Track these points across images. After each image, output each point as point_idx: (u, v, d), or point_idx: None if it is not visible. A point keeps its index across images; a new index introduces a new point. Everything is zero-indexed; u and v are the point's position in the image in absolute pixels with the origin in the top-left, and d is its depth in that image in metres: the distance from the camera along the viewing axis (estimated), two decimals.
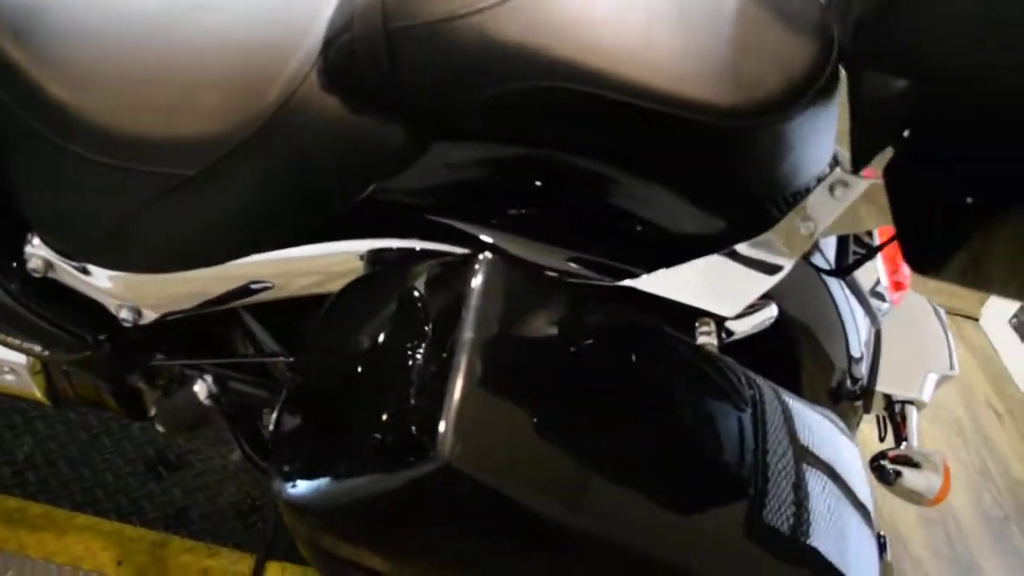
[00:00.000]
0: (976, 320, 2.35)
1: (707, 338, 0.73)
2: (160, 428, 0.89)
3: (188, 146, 0.74)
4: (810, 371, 0.88)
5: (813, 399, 0.92)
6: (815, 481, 0.68)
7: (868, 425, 1.10)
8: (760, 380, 0.71)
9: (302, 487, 0.59)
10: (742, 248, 0.71)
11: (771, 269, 0.71)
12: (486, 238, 0.76)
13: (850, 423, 0.99)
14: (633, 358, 0.65)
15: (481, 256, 0.63)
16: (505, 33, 0.66)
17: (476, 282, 0.60)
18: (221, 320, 0.93)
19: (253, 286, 0.84)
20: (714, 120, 0.63)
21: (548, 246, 0.75)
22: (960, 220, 0.55)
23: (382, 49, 0.67)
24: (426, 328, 0.60)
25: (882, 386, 0.95)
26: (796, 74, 0.64)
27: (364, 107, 0.71)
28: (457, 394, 0.54)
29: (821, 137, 0.69)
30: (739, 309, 0.72)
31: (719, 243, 0.72)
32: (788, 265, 0.71)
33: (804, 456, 0.69)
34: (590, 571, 0.60)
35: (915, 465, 0.90)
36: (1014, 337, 2.21)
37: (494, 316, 0.59)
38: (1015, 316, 2.22)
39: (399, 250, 0.78)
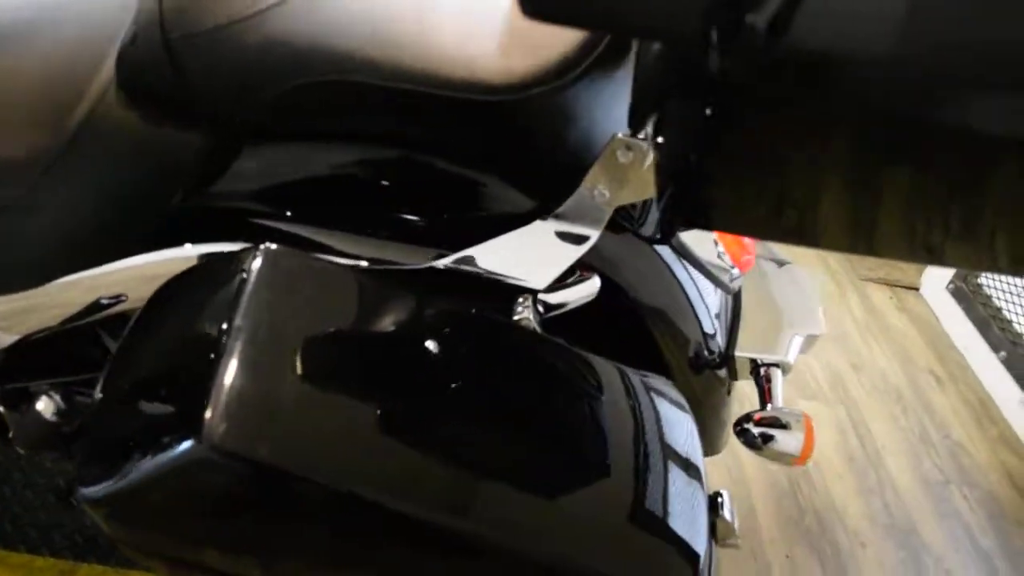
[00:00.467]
0: (917, 290, 2.36)
1: (525, 313, 0.73)
2: (20, 450, 0.89)
3: (6, 170, 0.76)
4: (666, 343, 0.89)
5: (678, 371, 0.93)
6: (638, 446, 0.68)
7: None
8: (579, 352, 0.71)
9: (98, 485, 0.59)
10: (547, 220, 0.71)
11: (577, 239, 0.71)
12: (310, 235, 0.77)
13: (718, 391, 1.00)
14: (430, 334, 0.65)
15: (262, 246, 0.64)
16: (284, 33, 0.67)
17: (252, 271, 0.61)
18: (84, 339, 0.93)
19: (104, 300, 0.85)
20: (487, 96, 0.64)
21: (367, 238, 0.76)
22: (709, 168, 0.56)
23: (164, 60, 0.69)
24: (207, 319, 0.61)
25: (745, 351, 0.96)
26: (569, 45, 0.65)
27: (162, 117, 0.72)
28: (224, 377, 0.55)
29: (615, 105, 0.70)
30: (548, 281, 0.72)
31: (527, 217, 0.72)
32: (594, 235, 0.71)
33: (625, 422, 0.69)
34: (391, 545, 0.60)
35: (783, 426, 0.91)
36: (952, 302, 2.22)
37: (271, 302, 0.60)
38: (951, 282, 2.24)
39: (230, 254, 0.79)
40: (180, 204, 0.78)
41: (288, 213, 0.78)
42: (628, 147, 0.66)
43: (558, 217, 0.71)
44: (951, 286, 2.23)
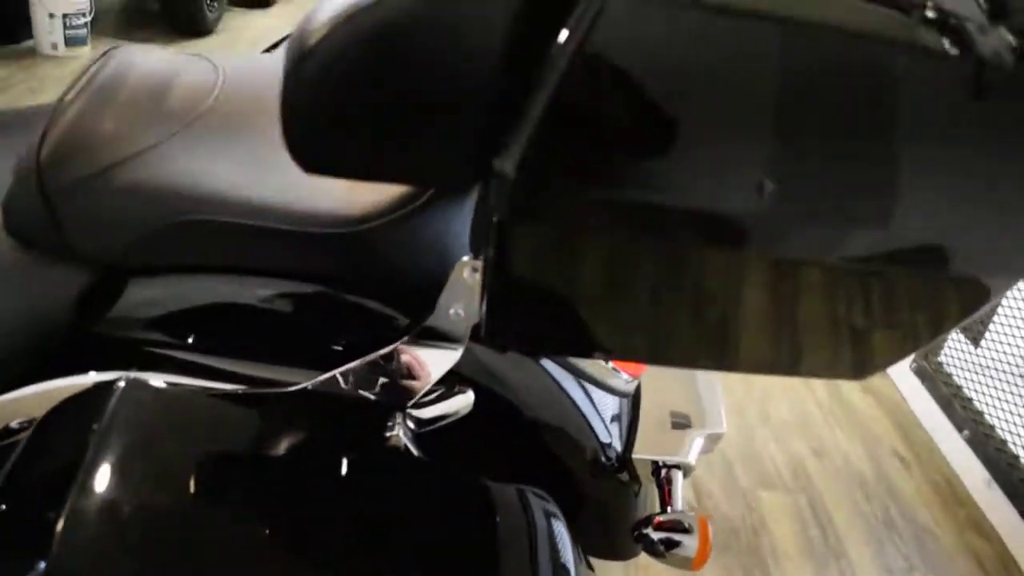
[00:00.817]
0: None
1: (396, 431, 0.75)
2: None
3: None
4: (560, 453, 0.91)
5: (578, 479, 0.94)
6: (500, 559, 0.69)
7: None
8: (444, 467, 0.73)
9: None
10: (409, 340, 0.74)
11: (440, 357, 0.74)
12: (203, 362, 0.80)
13: (623, 494, 1.00)
14: (291, 458, 0.67)
15: (122, 378, 0.66)
16: (149, 178, 0.73)
17: (111, 403, 0.64)
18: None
19: (13, 426, 0.87)
20: (331, 229, 0.69)
21: (259, 363, 0.80)
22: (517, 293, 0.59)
23: (42, 211, 0.74)
24: (64, 452, 0.63)
25: (645, 452, 0.97)
26: None
27: (48, 260, 0.77)
28: (73, 509, 0.57)
29: (466, 230, 0.74)
30: (414, 398, 0.74)
31: (397, 335, 0.75)
32: (456, 352, 0.74)
33: (488, 536, 0.70)
34: None
35: (686, 530, 0.91)
36: (916, 381, 2.22)
37: (125, 433, 0.62)
38: (914, 361, 2.24)
39: None
40: (88, 332, 0.82)
41: (181, 341, 0.81)
42: (474, 268, 0.69)
43: (420, 335, 0.74)
44: (914, 365, 2.23)
